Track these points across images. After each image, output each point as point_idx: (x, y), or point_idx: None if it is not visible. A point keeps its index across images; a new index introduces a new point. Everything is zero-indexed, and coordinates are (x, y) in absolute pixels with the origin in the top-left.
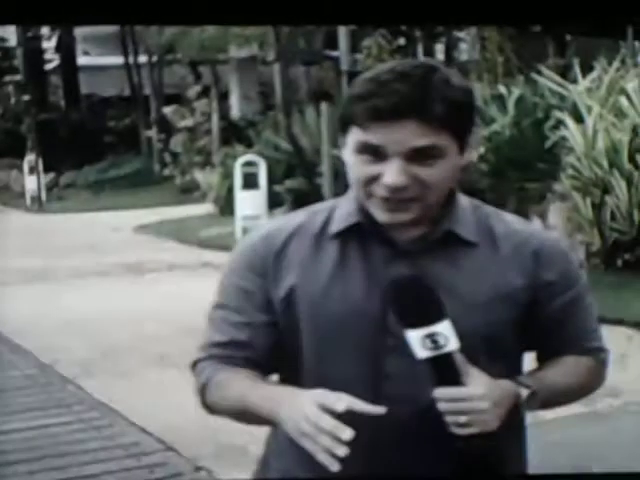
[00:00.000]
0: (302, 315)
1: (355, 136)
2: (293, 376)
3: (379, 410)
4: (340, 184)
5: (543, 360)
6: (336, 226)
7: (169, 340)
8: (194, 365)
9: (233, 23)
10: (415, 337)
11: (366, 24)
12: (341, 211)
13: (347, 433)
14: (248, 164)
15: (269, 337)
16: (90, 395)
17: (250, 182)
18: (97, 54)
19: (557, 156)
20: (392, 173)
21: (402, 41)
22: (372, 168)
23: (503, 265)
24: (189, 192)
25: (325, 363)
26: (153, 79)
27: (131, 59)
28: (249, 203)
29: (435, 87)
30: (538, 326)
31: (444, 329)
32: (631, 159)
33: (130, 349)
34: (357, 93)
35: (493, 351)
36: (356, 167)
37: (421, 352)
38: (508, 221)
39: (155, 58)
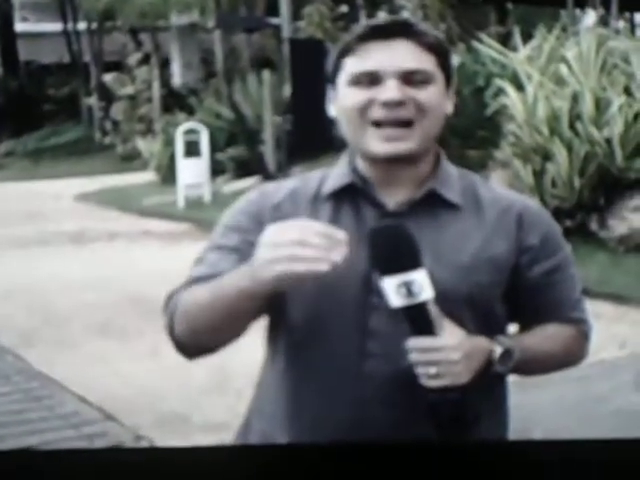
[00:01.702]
0: None
1: (349, 67)
2: (279, 329)
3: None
4: (282, 152)
5: (525, 328)
6: (329, 187)
7: (110, 309)
8: (166, 302)
9: None
10: (390, 284)
11: None
12: (333, 174)
13: (340, 233)
14: (190, 132)
15: None
16: (30, 365)
17: (192, 150)
18: (36, 20)
19: (498, 124)
20: (389, 90)
21: (344, 8)
22: (367, 93)
23: (487, 229)
24: (130, 160)
25: (311, 318)
26: (93, 46)
27: (70, 26)
28: (191, 171)
29: (418, 24)
30: (520, 292)
31: (419, 277)
32: (571, 126)
33: (71, 318)
34: (351, 31)
35: (475, 313)
36: (350, 97)
37: (395, 300)
38: (493, 188)
39: (95, 25)
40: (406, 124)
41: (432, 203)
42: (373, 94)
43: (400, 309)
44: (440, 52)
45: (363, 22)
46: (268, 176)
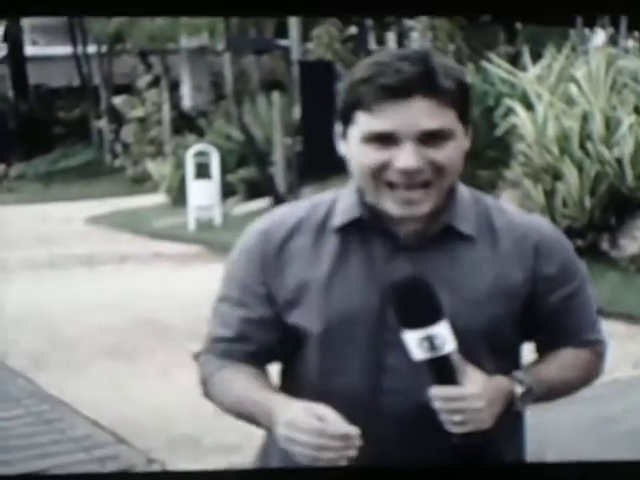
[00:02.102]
0: (304, 309)
1: (363, 124)
2: (295, 368)
3: (353, 431)
4: (292, 173)
5: (542, 352)
6: (337, 220)
7: (121, 332)
8: (197, 356)
9: (185, 14)
10: (412, 339)
11: (317, 15)
12: (342, 204)
13: (354, 430)
14: (200, 154)
15: (271, 331)
16: (41, 388)
17: (202, 172)
18: (45, 44)
19: (508, 144)
20: (406, 156)
21: (353, 30)
22: (383, 154)
23: (503, 259)
24: (141, 183)
25: (326, 357)
26: (103, 69)
27: (80, 49)
28: (202, 193)
29: (438, 65)
30: (537, 319)
31: (441, 331)
32: (581, 146)
33: (81, 341)
34: (361, 76)
35: (492, 345)
36: (364, 156)
37: (418, 354)
38: (508, 213)
39: (104, 48)
40: (423, 185)
41: (447, 236)
42: (389, 157)
43: (423, 361)
44: (461, 102)
45: (377, 55)
46: (278, 197)
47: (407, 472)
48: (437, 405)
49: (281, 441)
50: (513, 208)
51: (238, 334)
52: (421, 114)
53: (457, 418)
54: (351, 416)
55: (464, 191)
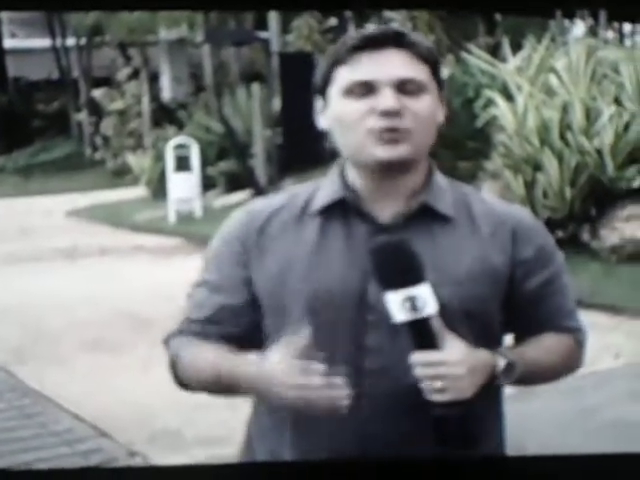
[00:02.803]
0: (285, 292)
1: (342, 78)
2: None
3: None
4: (272, 165)
5: (521, 340)
6: (319, 203)
7: (102, 325)
8: (167, 339)
9: (165, 8)
10: (394, 299)
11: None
12: (324, 189)
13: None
14: (180, 146)
15: (246, 316)
16: (22, 382)
17: (182, 164)
18: (24, 36)
19: (488, 135)
20: (385, 99)
21: (333, 21)
22: (364, 103)
23: (482, 242)
24: (121, 175)
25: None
26: (82, 62)
27: (59, 42)
28: (182, 186)
29: (410, 34)
30: (516, 303)
31: (423, 292)
32: (561, 137)
33: (62, 334)
34: (341, 41)
35: (473, 326)
36: (348, 107)
37: (399, 315)
38: (486, 200)
39: (83, 40)
40: (404, 131)
41: (425, 216)
42: (369, 104)
43: (404, 324)
44: (433, 61)
45: (352, 33)
46: (259, 190)
47: (386, 465)
48: (417, 372)
49: (272, 399)
50: (491, 197)
51: (213, 317)
52: (396, 63)
53: (437, 384)
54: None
55: (441, 177)
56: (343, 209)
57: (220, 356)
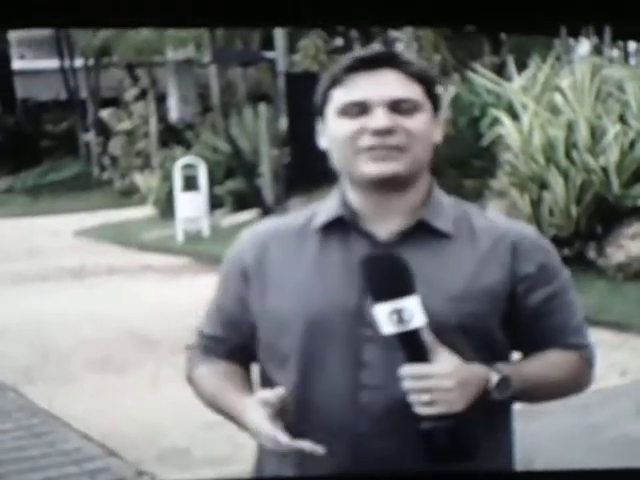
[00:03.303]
0: (284, 308)
1: (337, 99)
2: (277, 365)
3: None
4: (279, 185)
5: (527, 356)
6: (319, 221)
7: (110, 344)
8: (189, 348)
9: (168, 25)
10: (381, 311)
11: (303, 26)
12: (324, 208)
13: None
14: (187, 166)
15: (246, 335)
16: (31, 401)
17: (190, 184)
18: (33, 57)
19: (494, 153)
20: (377, 118)
21: (339, 41)
22: (357, 121)
23: (481, 258)
24: (129, 195)
25: (306, 354)
26: (90, 82)
27: (67, 62)
28: (189, 205)
29: (404, 54)
30: (519, 320)
31: (410, 304)
32: (567, 155)
33: (71, 354)
34: (338, 63)
35: (472, 342)
36: (340, 127)
37: (387, 327)
38: (489, 217)
39: (91, 61)
40: (396, 148)
41: (423, 233)
42: (363, 123)
43: (393, 336)
44: (426, 81)
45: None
46: (266, 209)
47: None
48: (406, 384)
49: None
50: (494, 214)
51: (217, 334)
52: (390, 83)
53: (425, 397)
54: (331, 412)
55: (442, 195)
56: (342, 227)
57: (218, 388)
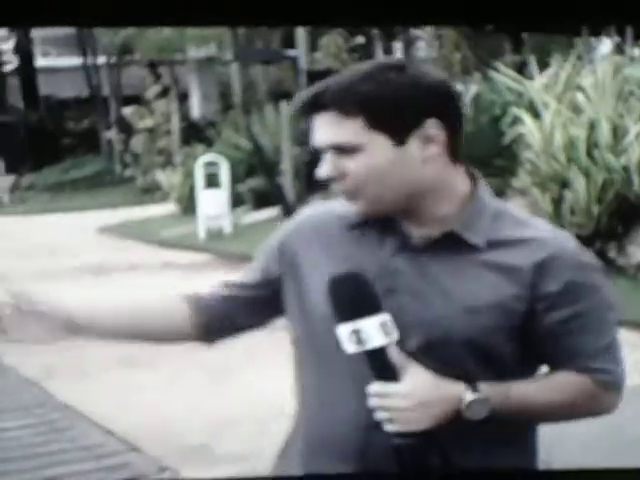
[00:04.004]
0: (315, 297)
1: None
2: (298, 363)
3: None
4: (300, 182)
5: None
6: (355, 217)
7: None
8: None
9: (191, 24)
10: (343, 332)
11: (324, 25)
12: None
13: None
14: (209, 164)
15: (254, 311)
16: (52, 397)
17: (212, 182)
18: (57, 55)
19: (515, 152)
20: (321, 166)
21: (360, 39)
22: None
23: (505, 272)
24: (150, 192)
25: (322, 352)
26: (112, 80)
27: (90, 60)
28: (211, 202)
29: (342, 80)
30: (535, 337)
31: (368, 325)
32: (588, 154)
33: (92, 350)
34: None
35: (481, 355)
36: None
37: (348, 347)
38: (533, 225)
39: (113, 59)
40: (351, 192)
41: (452, 242)
42: None
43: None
44: (371, 108)
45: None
46: (287, 206)
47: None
48: (371, 402)
49: None
50: (542, 221)
51: (244, 281)
52: (325, 127)
53: (383, 415)
54: (345, 407)
55: (487, 201)
56: (382, 223)
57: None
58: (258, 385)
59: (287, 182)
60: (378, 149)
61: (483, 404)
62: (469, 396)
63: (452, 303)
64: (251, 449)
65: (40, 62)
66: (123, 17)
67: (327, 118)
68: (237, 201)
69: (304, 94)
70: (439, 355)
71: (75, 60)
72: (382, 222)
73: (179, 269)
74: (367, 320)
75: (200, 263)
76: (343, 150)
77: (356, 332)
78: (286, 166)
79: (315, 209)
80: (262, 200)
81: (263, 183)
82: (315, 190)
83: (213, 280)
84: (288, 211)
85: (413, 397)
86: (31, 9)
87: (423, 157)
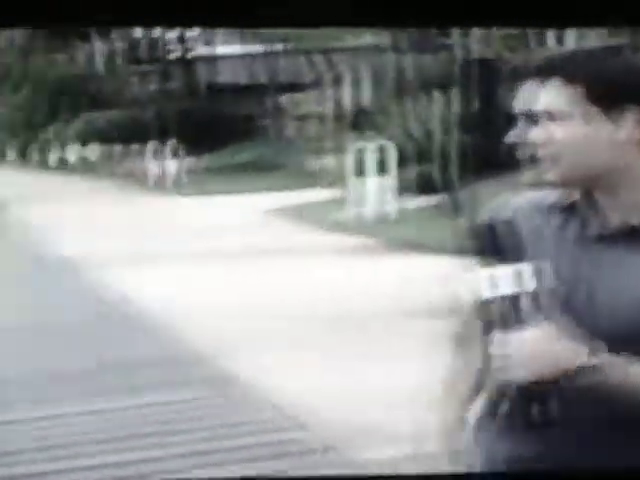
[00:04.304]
0: None
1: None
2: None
3: None
4: (466, 169)
5: None
6: (563, 199)
7: (305, 323)
8: None
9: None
10: (481, 277)
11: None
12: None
13: None
14: (378, 150)
15: None
16: (230, 373)
17: (379, 167)
18: (219, 43)
19: None
20: (518, 130)
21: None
22: None
23: None
24: (317, 177)
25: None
26: (270, 68)
27: (249, 49)
28: (378, 188)
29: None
30: None
31: (502, 273)
32: None
33: (266, 330)
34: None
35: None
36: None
37: (485, 291)
38: None
39: (272, 47)
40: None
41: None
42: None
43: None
44: (599, 83)
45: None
46: (452, 193)
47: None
48: (492, 350)
49: None
50: None
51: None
52: (549, 93)
53: (498, 363)
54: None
55: None
56: (584, 208)
57: None
58: (425, 367)
59: (453, 168)
60: (591, 121)
61: (592, 371)
62: (585, 359)
63: (621, 296)
64: (416, 431)
65: (201, 50)
66: (131, 18)
67: (552, 84)
68: (403, 187)
69: (537, 60)
70: (627, 348)
71: (235, 48)
72: (584, 208)
73: (345, 253)
74: (504, 268)
75: (365, 247)
76: (556, 117)
77: (492, 278)
78: (452, 152)
79: (516, 199)
80: (428, 186)
81: (429, 169)
82: (481, 176)
83: (382, 265)
84: (452, 197)
85: (528, 346)
86: (31, 9)
87: (630, 138)
